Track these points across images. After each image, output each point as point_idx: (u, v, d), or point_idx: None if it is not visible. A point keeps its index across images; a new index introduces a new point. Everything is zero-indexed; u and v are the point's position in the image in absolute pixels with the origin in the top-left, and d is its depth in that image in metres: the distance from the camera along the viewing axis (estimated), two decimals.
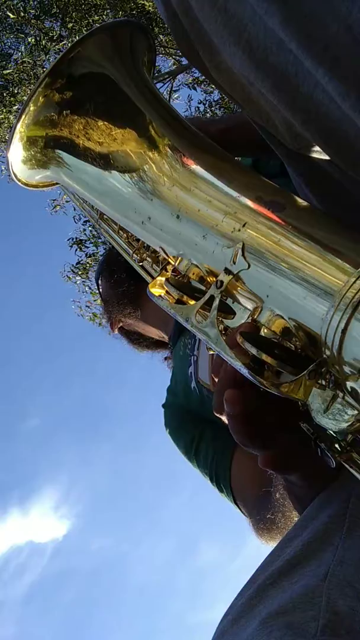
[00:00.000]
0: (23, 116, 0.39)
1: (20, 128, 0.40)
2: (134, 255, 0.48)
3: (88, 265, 4.81)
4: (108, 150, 0.40)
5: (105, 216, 0.51)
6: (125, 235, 0.49)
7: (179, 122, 0.41)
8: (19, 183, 0.45)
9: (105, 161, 0.40)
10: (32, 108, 0.39)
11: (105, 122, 0.40)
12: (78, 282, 4.86)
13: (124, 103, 0.41)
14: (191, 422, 0.90)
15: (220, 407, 0.37)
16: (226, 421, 0.38)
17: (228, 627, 0.34)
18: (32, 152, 0.42)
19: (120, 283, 0.96)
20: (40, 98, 0.39)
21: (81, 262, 4.86)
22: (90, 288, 4.71)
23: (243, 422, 0.36)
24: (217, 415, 0.39)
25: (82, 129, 0.40)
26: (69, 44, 0.40)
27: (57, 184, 0.47)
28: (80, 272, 4.83)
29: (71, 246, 4.89)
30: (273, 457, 0.38)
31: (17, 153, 0.42)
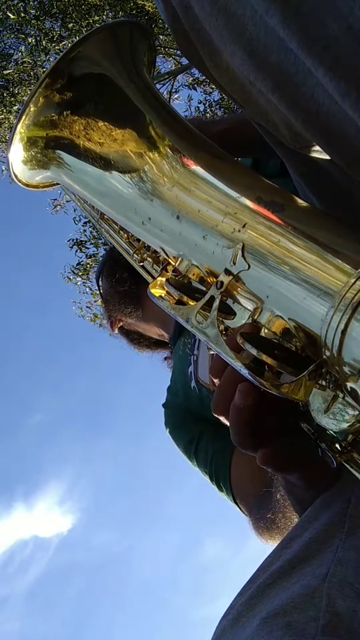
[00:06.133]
0: (23, 117, 0.39)
1: (20, 129, 0.40)
2: (135, 255, 0.48)
3: (88, 266, 4.81)
4: (108, 151, 0.40)
5: (105, 216, 0.51)
6: (125, 235, 0.49)
7: (179, 123, 0.41)
8: (20, 184, 0.45)
9: (105, 162, 0.40)
10: (32, 108, 0.39)
11: (106, 123, 0.40)
12: (79, 283, 4.86)
13: (124, 103, 0.41)
14: (191, 422, 0.90)
15: (220, 405, 0.37)
16: (225, 421, 0.38)
17: (228, 626, 0.34)
18: (33, 153, 0.42)
19: (121, 282, 0.96)
20: (41, 98, 0.39)
21: (81, 263, 4.86)
22: (90, 289, 4.71)
23: (250, 417, 0.35)
24: (216, 415, 0.38)
25: (83, 129, 0.40)
26: (69, 45, 0.40)
27: (57, 184, 0.47)
28: (80, 273, 4.83)
29: (71, 247, 4.89)
30: (273, 454, 0.37)
31: (17, 154, 0.41)
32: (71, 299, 4.89)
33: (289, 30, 0.30)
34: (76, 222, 4.86)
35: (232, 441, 0.38)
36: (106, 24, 0.42)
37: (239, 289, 0.34)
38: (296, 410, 0.34)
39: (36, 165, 0.43)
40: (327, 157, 0.37)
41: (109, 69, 0.41)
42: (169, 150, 0.38)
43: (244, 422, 0.36)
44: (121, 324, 1.03)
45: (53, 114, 0.40)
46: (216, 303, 0.34)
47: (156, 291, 0.39)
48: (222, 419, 0.38)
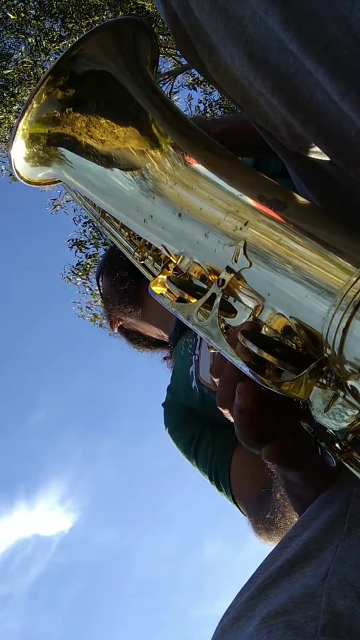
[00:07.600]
0: (26, 113, 0.39)
1: (22, 125, 0.40)
2: (136, 253, 0.48)
3: (88, 266, 4.82)
4: (110, 148, 0.40)
5: (107, 214, 0.51)
6: (127, 233, 0.49)
7: (181, 121, 0.41)
8: (22, 180, 0.45)
9: (107, 159, 0.40)
10: (34, 105, 0.39)
11: (108, 120, 0.40)
12: (78, 283, 4.86)
13: (127, 101, 0.41)
14: (191, 422, 0.90)
15: (225, 400, 0.37)
16: (229, 417, 0.38)
17: (228, 626, 0.34)
18: (35, 150, 0.42)
19: (121, 281, 0.96)
20: (43, 95, 0.39)
21: (81, 263, 4.86)
22: (90, 289, 4.72)
23: (252, 416, 0.36)
24: (221, 409, 0.38)
25: (85, 126, 0.40)
26: (69, 44, 0.40)
27: (59, 181, 0.47)
28: (80, 273, 4.83)
29: (71, 247, 4.89)
30: (278, 450, 0.38)
31: (19, 150, 0.41)
32: (71, 299, 4.89)
33: (289, 31, 0.30)
34: (76, 222, 4.87)
35: (238, 439, 0.38)
36: (109, 22, 0.41)
37: (240, 286, 0.34)
38: (296, 409, 0.34)
39: (38, 162, 0.43)
40: (327, 158, 0.37)
41: (112, 66, 0.41)
42: (170, 148, 0.38)
43: (247, 421, 0.36)
44: (121, 323, 1.03)
45: (55, 111, 0.40)
46: (217, 301, 0.34)
47: (157, 289, 0.39)
48: (227, 413, 0.38)
